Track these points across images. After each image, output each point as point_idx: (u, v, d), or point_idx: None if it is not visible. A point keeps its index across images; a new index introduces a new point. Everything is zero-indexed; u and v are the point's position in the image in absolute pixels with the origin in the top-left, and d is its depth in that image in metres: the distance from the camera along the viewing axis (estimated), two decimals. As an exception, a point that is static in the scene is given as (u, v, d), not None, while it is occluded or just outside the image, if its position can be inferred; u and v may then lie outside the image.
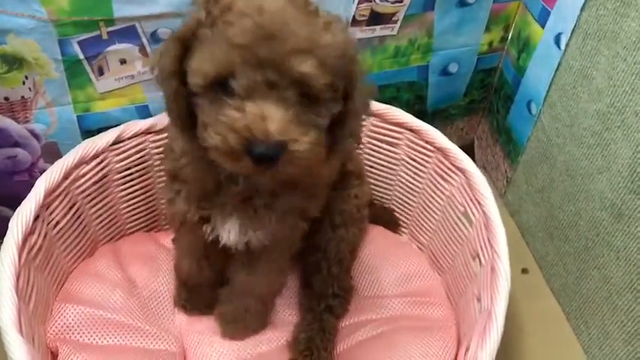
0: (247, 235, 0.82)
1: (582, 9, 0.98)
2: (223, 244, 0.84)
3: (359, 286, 1.06)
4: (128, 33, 0.94)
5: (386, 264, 1.09)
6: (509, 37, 1.21)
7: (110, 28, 0.93)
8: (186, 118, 0.69)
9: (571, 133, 1.05)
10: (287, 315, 1.03)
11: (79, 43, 0.93)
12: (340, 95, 0.67)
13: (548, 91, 1.10)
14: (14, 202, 1.07)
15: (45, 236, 0.92)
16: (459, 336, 1.00)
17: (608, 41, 0.93)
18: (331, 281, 0.99)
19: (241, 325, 0.97)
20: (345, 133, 0.71)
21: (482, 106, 1.34)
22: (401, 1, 1.05)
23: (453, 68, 1.21)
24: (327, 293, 0.99)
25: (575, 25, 1.00)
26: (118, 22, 0.92)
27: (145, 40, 0.96)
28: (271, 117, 0.60)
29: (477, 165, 1.02)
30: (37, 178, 1.04)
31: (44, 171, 1.04)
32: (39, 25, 0.88)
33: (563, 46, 1.03)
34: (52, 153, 1.05)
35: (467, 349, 0.92)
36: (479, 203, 1.01)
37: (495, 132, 1.32)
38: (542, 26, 1.09)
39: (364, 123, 0.76)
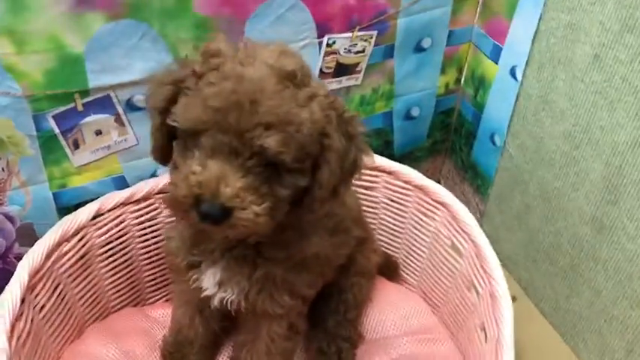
0: (229, 289, 0.80)
1: (533, 41, 1.05)
2: (205, 295, 0.82)
3: (362, 329, 1.05)
4: (103, 103, 0.93)
5: (384, 305, 1.08)
6: (464, 78, 1.27)
7: (85, 100, 0.92)
8: (165, 152, 0.72)
9: (539, 157, 1.10)
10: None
11: (54, 117, 0.91)
12: (308, 167, 0.67)
13: (510, 122, 1.15)
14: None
15: (32, 321, 0.88)
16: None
17: (564, 66, 1.00)
18: (346, 325, 0.99)
19: None
20: (311, 202, 0.71)
21: (445, 146, 1.39)
22: (363, 52, 1.10)
23: (415, 112, 1.26)
24: (342, 336, 0.98)
25: (528, 57, 1.06)
26: (93, 92, 0.92)
27: (120, 109, 0.96)
28: (227, 181, 0.62)
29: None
30: (12, 265, 1.00)
31: (19, 256, 1.01)
32: (13, 101, 0.86)
33: (519, 78, 1.10)
34: (28, 235, 1.00)
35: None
36: (466, 233, 1.03)
37: (461, 170, 1.36)
38: (496, 62, 1.15)
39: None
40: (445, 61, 1.22)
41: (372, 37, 1.08)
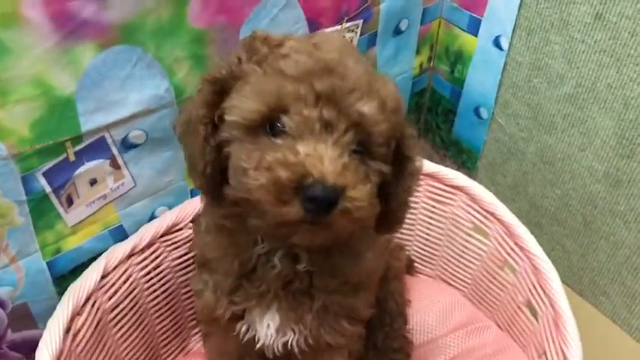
0: (289, 331, 0.70)
1: (519, 8, 1.03)
2: (261, 345, 0.72)
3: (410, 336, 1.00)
4: (97, 147, 0.80)
5: (421, 305, 1.04)
6: (437, 55, 1.24)
7: (77, 147, 0.78)
8: (212, 175, 0.59)
9: (537, 123, 1.10)
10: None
11: (45, 174, 0.76)
12: (391, 155, 0.60)
13: (498, 93, 1.14)
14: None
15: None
16: (521, 347, 0.98)
17: (558, 29, 0.99)
18: (395, 335, 0.93)
19: None
20: (399, 199, 0.64)
21: (418, 127, 1.36)
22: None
23: (394, 98, 1.21)
24: (393, 348, 0.92)
25: (515, 24, 1.05)
26: (86, 137, 0.78)
27: (115, 151, 0.82)
28: (329, 158, 0.52)
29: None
30: (7, 356, 0.86)
31: (14, 344, 0.86)
32: (-2, 165, 0.71)
33: (505, 47, 1.08)
34: (23, 317, 0.85)
35: (539, 356, 0.91)
36: (489, 212, 1.01)
37: (441, 148, 1.34)
38: (475, 34, 1.13)
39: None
40: (419, 41, 1.18)
41: (357, 27, 1.02)
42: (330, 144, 0.53)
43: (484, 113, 1.19)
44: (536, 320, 0.94)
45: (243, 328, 0.71)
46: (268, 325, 0.70)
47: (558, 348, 0.86)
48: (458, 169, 1.29)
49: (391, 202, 0.63)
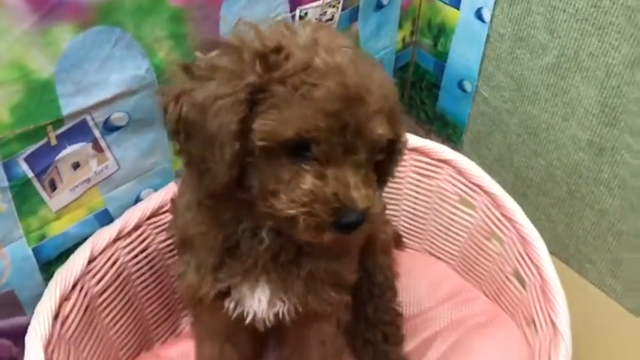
0: (279, 301, 0.72)
1: (500, -22, 1.03)
2: (251, 319, 0.73)
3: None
4: (79, 130, 0.79)
5: (410, 279, 1.05)
6: (419, 29, 1.23)
7: (59, 131, 0.77)
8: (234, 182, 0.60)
9: (520, 94, 1.10)
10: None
11: (26, 159, 0.75)
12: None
13: (481, 65, 1.14)
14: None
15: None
16: (511, 316, 0.99)
17: (539, 0, 0.99)
18: (386, 308, 0.93)
19: None
20: (389, 174, 0.70)
21: (402, 102, 1.35)
22: (332, 19, 1.02)
23: (378, 73, 1.21)
24: (384, 321, 0.93)
25: (496, -4, 1.05)
26: (67, 120, 0.77)
27: (97, 133, 0.81)
28: (354, 184, 0.58)
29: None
30: None
31: (3, 331, 0.85)
32: (-22, 152, 0.70)
33: (487, 19, 1.08)
34: (10, 304, 0.84)
35: (528, 324, 0.92)
36: (476, 185, 1.02)
37: (426, 123, 1.34)
38: (457, 7, 1.13)
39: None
40: (401, 15, 1.17)
41: (339, 2, 1.01)
42: (350, 166, 0.58)
43: (468, 86, 1.19)
44: (524, 289, 0.95)
45: (231, 305, 0.72)
46: (260, 299, 0.71)
47: (547, 316, 0.87)
48: (443, 144, 1.29)
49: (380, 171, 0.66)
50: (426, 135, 1.35)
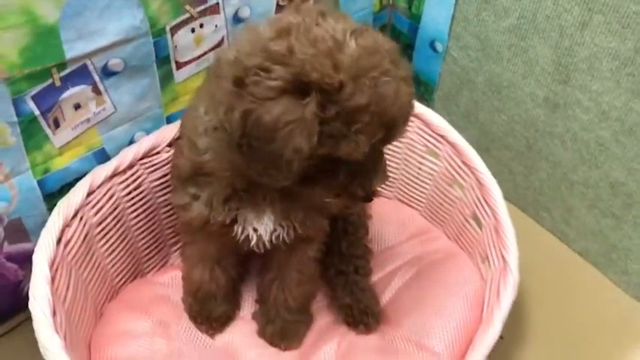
0: (279, 227, 0.84)
1: (468, -55, 1.12)
2: (254, 243, 0.85)
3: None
4: (80, 73, 0.87)
5: (380, 219, 1.15)
6: (395, -9, 1.32)
7: (62, 73, 0.85)
8: None
9: (485, 54, 1.19)
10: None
11: (33, 97, 0.84)
12: None
13: (450, 26, 1.23)
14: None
15: (62, 314, 0.83)
16: (468, 254, 1.10)
17: (503, -36, 1.08)
18: (358, 243, 1.04)
19: (293, 335, 0.99)
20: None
21: (379, 63, 1.44)
22: (311, -21, 1.10)
23: (356, 33, 1.29)
24: (355, 255, 1.04)
25: (464, -38, 1.14)
26: (70, 64, 0.85)
27: (96, 77, 0.90)
28: (377, 177, 0.72)
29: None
30: (4, 266, 0.95)
31: (10, 255, 0.95)
32: (-8, 88, 0.79)
33: (456, -18, 1.17)
34: (17, 231, 0.93)
35: (482, 260, 1.03)
36: (440, 136, 1.11)
37: (400, 81, 1.43)
38: (430, -29, 1.21)
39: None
40: (379, -23, 1.25)
41: (318, -36, 1.09)
42: (378, 160, 0.72)
43: (439, 47, 1.28)
44: (480, 230, 1.05)
45: (239, 230, 0.83)
46: (267, 224, 0.82)
47: (498, 252, 0.97)
48: (417, 102, 1.39)
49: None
50: (401, 93, 1.44)
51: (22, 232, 0.94)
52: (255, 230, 0.83)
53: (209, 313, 0.98)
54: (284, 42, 0.62)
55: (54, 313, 0.80)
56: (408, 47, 1.35)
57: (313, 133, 0.61)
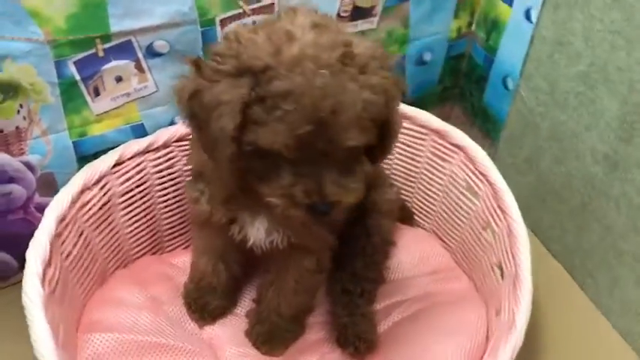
0: (275, 232, 0.83)
1: (550, -20, 1.05)
2: (251, 243, 0.85)
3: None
4: (124, 48, 0.93)
5: (403, 248, 1.11)
6: (476, 21, 1.27)
7: (106, 45, 0.91)
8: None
9: (553, 99, 1.11)
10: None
11: (75, 63, 0.90)
12: (377, 128, 0.69)
13: (523, 65, 1.16)
14: (9, 244, 1.02)
15: (60, 268, 0.88)
16: (485, 303, 1.03)
17: (581, 7, 1.00)
18: (373, 267, 1.01)
19: (278, 342, 0.98)
20: (384, 155, 0.76)
21: (454, 92, 1.40)
22: (382, -6, 1.09)
23: (427, 57, 1.26)
24: (368, 278, 1.00)
25: (544, -1, 1.07)
26: (114, 37, 0.91)
27: (140, 55, 0.95)
28: (325, 183, 0.66)
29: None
30: (33, 215, 1.01)
31: (40, 206, 1.01)
32: (35, 47, 0.85)
33: (534, 20, 1.10)
34: (48, 184, 1.00)
35: (497, 313, 0.95)
36: (482, 174, 1.05)
37: (471, 115, 1.37)
38: (510, 5, 1.15)
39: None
40: (458, 4, 1.21)
41: (391, -20, 1.08)
42: (326, 165, 0.66)
43: (510, 84, 1.21)
44: (502, 280, 0.98)
45: (236, 230, 0.84)
46: (258, 228, 0.83)
47: (511, 307, 0.90)
48: (483, 139, 1.33)
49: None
50: (470, 127, 1.38)
51: (53, 186, 1.00)
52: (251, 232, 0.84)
53: (205, 304, 0.99)
54: (250, 34, 0.64)
55: (48, 264, 0.85)
56: (482, 79, 1.30)
57: (236, 114, 0.62)
